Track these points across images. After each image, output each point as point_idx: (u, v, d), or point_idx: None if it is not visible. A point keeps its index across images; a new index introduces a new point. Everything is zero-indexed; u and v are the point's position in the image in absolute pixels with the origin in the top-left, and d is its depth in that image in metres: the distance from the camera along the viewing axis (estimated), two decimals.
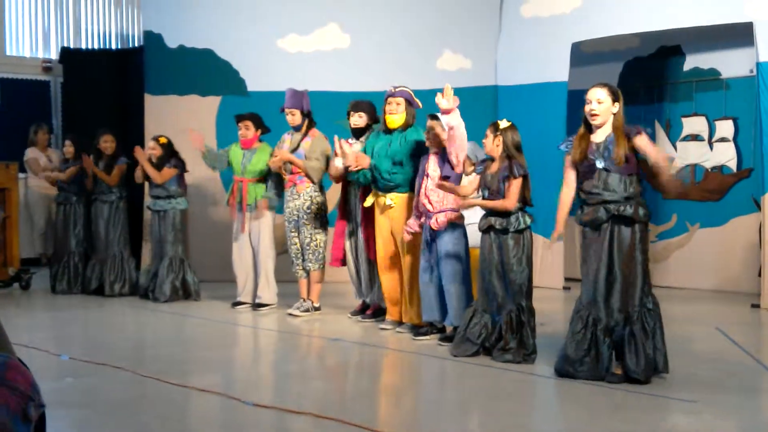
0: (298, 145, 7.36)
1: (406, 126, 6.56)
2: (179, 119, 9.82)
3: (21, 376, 2.30)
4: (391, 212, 6.53)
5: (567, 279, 9.36)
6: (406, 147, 6.48)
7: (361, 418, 4.05)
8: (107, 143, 8.86)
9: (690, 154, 9.55)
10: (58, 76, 11.67)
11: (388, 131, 6.60)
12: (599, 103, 4.88)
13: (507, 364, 5.30)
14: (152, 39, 10.12)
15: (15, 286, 9.17)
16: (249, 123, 7.77)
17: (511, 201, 5.43)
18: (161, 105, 10.01)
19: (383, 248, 6.63)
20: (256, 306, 7.72)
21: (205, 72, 9.99)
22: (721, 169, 9.34)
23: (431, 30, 9.94)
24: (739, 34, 8.46)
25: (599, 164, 4.85)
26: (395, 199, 6.50)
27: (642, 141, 4.85)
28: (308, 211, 7.31)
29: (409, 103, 6.57)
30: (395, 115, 6.53)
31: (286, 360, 5.86)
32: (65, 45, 11.73)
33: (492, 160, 5.60)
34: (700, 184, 9.47)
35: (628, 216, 4.79)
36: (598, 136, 4.93)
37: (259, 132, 7.80)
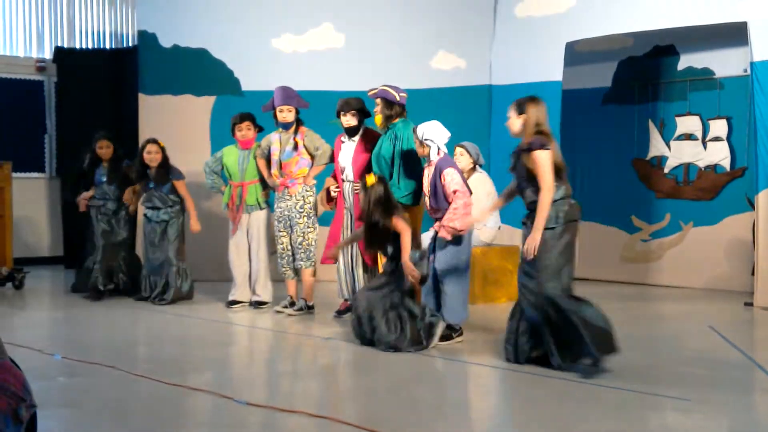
0: (296, 145, 7.36)
1: (385, 125, 6.67)
2: (174, 119, 9.82)
3: (12, 377, 2.30)
4: None
5: None
6: (398, 144, 6.52)
7: (353, 417, 4.06)
8: (103, 149, 8.52)
9: (684, 153, 9.57)
10: (52, 75, 11.65)
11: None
12: (509, 118, 5.30)
13: (503, 364, 5.33)
14: (146, 38, 10.11)
15: (8, 285, 9.15)
16: (250, 123, 7.76)
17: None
18: (156, 105, 9.99)
19: None
20: (256, 304, 7.74)
21: (199, 72, 9.98)
22: (714, 168, 9.36)
23: (426, 30, 9.95)
24: (733, 34, 8.48)
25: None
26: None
27: (532, 159, 5.04)
28: (301, 210, 7.33)
29: (387, 100, 6.63)
30: (377, 116, 6.76)
31: (279, 359, 5.86)
32: (59, 45, 11.70)
33: None
34: (694, 183, 9.50)
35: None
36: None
37: (257, 131, 7.81)
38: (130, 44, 11.76)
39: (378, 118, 6.73)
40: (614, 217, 10.09)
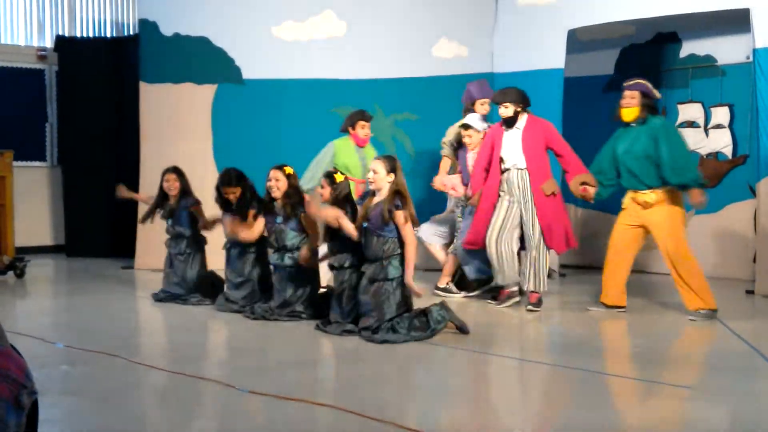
0: None
1: (643, 119, 6.72)
2: (175, 107, 9.80)
3: (14, 363, 2.30)
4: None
5: (563, 266, 9.39)
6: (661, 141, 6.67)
7: (355, 405, 4.06)
8: (169, 182, 7.44)
9: (686, 140, 9.55)
10: (53, 64, 11.62)
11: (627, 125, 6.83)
12: (375, 173, 5.75)
13: (504, 351, 5.33)
14: (147, 27, 10.08)
15: (10, 274, 9.16)
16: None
17: None
18: (156, 93, 9.97)
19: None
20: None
21: (200, 60, 9.94)
22: (716, 155, 9.34)
23: (427, 17, 9.92)
24: (735, 21, 8.45)
25: (365, 224, 5.79)
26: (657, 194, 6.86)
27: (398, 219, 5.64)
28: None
29: (645, 95, 6.70)
30: (628, 108, 6.75)
31: (281, 348, 5.87)
32: (60, 33, 11.68)
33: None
34: None
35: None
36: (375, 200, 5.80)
37: None
38: (131, 32, 11.73)
39: (629, 112, 6.74)
40: (615, 205, 10.04)
